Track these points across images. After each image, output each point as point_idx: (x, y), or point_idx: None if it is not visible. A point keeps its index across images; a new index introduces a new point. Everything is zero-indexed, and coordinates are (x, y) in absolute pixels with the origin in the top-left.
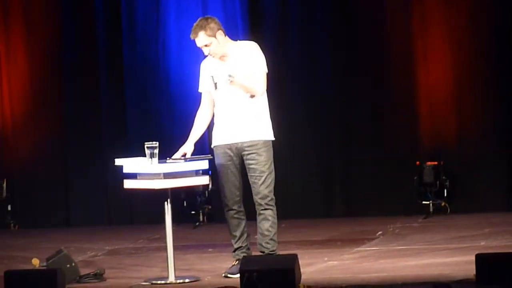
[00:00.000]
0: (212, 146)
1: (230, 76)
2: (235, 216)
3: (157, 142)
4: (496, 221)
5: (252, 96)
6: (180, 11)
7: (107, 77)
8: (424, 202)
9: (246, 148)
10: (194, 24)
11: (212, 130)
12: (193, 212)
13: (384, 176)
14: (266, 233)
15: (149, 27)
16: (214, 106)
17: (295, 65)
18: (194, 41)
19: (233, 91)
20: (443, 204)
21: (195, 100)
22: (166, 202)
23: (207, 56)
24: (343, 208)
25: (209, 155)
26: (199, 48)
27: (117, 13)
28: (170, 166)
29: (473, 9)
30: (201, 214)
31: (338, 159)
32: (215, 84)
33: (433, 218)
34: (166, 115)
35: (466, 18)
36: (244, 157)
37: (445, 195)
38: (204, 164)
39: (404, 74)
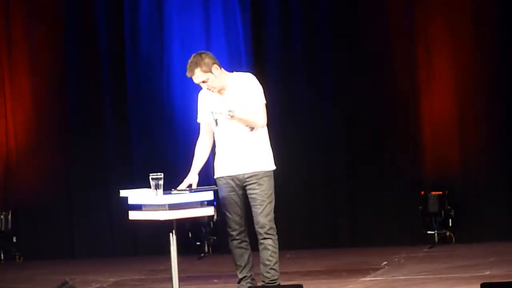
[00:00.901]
0: (215, 177)
1: (230, 111)
2: (239, 245)
3: (162, 174)
4: (501, 250)
5: (252, 128)
6: (184, 39)
7: (112, 107)
8: (429, 232)
9: (247, 179)
10: (189, 61)
11: (213, 161)
12: (198, 243)
13: (389, 206)
14: (267, 262)
15: (153, 56)
16: (213, 135)
17: (299, 93)
18: (191, 78)
19: (233, 123)
20: (448, 233)
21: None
22: (171, 233)
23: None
24: (348, 238)
25: (215, 186)
26: (196, 84)
27: (121, 47)
28: (175, 197)
29: (477, 34)
30: (206, 245)
31: (342, 189)
32: (216, 120)
33: (438, 248)
34: (170, 144)
35: (470, 45)
36: (246, 187)
37: (450, 224)
38: (209, 195)
39: (407, 103)
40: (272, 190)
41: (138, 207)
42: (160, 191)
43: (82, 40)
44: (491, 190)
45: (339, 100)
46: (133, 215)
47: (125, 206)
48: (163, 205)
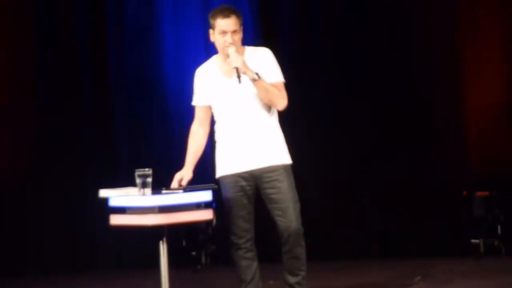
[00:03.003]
0: (217, 177)
1: (257, 74)
2: (245, 256)
3: (151, 169)
4: None
5: (267, 113)
6: (177, 11)
7: (90, 89)
8: (473, 241)
9: (264, 176)
10: (223, 6)
11: (213, 156)
12: (194, 253)
13: (424, 209)
14: (301, 273)
15: (141, 25)
16: (209, 123)
17: (317, 75)
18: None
19: (245, 108)
20: (496, 243)
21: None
22: (161, 241)
23: (207, 60)
24: (376, 248)
25: (214, 184)
26: (223, 33)
27: (101, 17)
28: (166, 198)
29: None
30: (203, 255)
31: (370, 190)
32: (239, 77)
33: (485, 260)
34: (162, 133)
35: None
36: (262, 186)
37: (499, 232)
38: (207, 196)
39: (449, 85)
40: (294, 188)
41: (121, 210)
42: (148, 190)
43: (54, 9)
44: None
45: (365, 83)
46: (115, 219)
47: (106, 209)
48: (152, 208)
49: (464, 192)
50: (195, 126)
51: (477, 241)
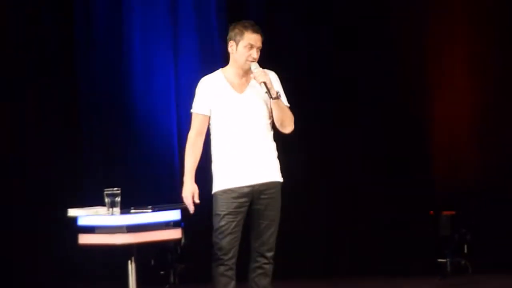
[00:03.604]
0: (216, 191)
1: (278, 92)
2: (226, 273)
3: (120, 188)
4: None
5: (270, 129)
6: (146, 22)
7: (57, 107)
8: (439, 260)
9: (265, 191)
10: (249, 20)
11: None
12: (162, 272)
13: (392, 229)
14: None
15: (110, 43)
16: (204, 133)
17: (291, 94)
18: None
19: (251, 123)
20: (463, 262)
21: (166, 134)
22: (129, 261)
23: (214, 72)
24: (346, 266)
25: (182, 203)
26: (249, 47)
27: (70, 28)
28: (134, 217)
29: (499, 26)
30: (172, 274)
31: (340, 209)
32: (269, 92)
33: (451, 279)
34: (130, 153)
35: (490, 38)
36: (258, 202)
37: (465, 251)
38: (175, 215)
39: (415, 104)
40: None
41: (90, 230)
42: (117, 209)
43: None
44: None
45: (336, 102)
46: (83, 239)
47: (75, 228)
48: (121, 227)
49: (431, 212)
50: (194, 136)
51: (444, 260)
